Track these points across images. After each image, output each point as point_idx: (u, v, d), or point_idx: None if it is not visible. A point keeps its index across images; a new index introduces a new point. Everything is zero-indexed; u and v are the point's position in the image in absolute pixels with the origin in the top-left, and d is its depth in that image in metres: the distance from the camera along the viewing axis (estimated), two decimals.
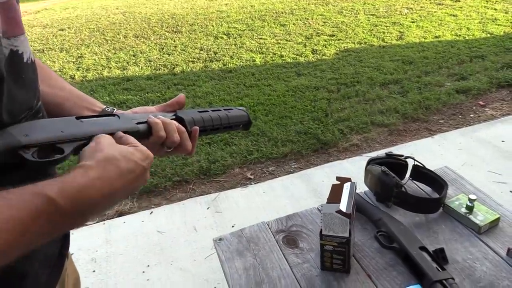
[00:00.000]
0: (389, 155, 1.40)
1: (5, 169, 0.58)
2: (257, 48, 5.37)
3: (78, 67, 5.17)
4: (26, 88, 0.64)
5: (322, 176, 2.81)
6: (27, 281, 0.69)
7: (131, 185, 0.62)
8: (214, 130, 0.90)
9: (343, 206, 1.04)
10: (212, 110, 0.89)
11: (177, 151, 0.80)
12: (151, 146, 0.76)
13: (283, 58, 4.96)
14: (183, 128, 0.79)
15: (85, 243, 2.38)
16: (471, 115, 3.57)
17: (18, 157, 0.58)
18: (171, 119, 0.80)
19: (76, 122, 0.67)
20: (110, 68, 5.04)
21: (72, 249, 2.31)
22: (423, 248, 1.10)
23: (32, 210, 0.51)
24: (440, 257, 1.10)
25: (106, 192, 0.58)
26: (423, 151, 2.96)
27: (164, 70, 4.89)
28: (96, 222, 2.56)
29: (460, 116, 3.56)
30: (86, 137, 0.65)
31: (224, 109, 0.92)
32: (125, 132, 0.70)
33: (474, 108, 3.69)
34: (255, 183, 2.82)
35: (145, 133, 0.75)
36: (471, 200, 1.24)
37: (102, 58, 5.41)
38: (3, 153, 0.56)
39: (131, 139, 0.67)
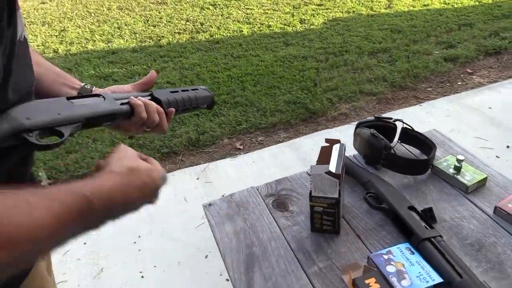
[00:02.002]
0: (378, 118, 1.40)
1: (4, 150, 0.61)
2: (244, 19, 5.28)
3: (62, 40, 5.03)
4: (25, 65, 0.66)
5: (311, 144, 2.81)
6: None
7: (145, 198, 0.66)
8: (184, 111, 0.96)
9: (332, 167, 1.03)
10: (182, 90, 0.95)
11: (154, 130, 0.85)
12: (132, 126, 0.82)
13: (270, 28, 4.89)
14: (161, 109, 0.85)
15: None
16: (459, 83, 3.58)
17: (21, 139, 0.60)
18: (148, 99, 0.85)
19: (68, 104, 0.70)
20: (95, 41, 4.91)
21: None
22: (412, 208, 1.11)
23: (70, 207, 0.54)
24: (428, 216, 1.12)
25: (127, 199, 0.62)
26: (411, 118, 2.97)
27: (149, 42, 4.78)
28: None
29: (448, 84, 3.57)
30: (81, 119, 0.69)
31: (192, 89, 0.97)
32: (112, 113, 0.75)
33: (461, 75, 3.69)
34: (244, 153, 2.81)
35: (127, 114, 0.80)
36: (459, 161, 1.25)
37: (85, 31, 5.27)
38: (9, 137, 0.59)
39: (149, 158, 0.73)
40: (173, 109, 0.88)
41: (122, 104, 0.79)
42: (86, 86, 0.86)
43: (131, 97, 0.81)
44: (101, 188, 0.59)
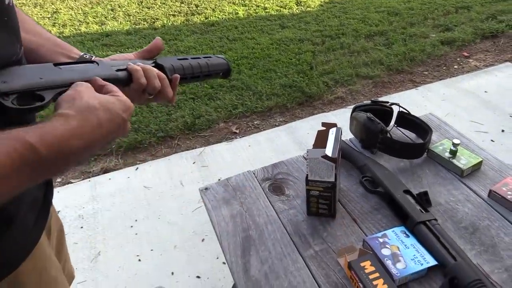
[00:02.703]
0: (374, 102, 1.40)
1: None
2: (240, 0, 5.21)
3: (54, 23, 4.96)
4: (9, 31, 0.62)
5: (307, 128, 2.81)
6: (14, 225, 0.68)
7: (110, 135, 0.61)
8: (194, 78, 0.90)
9: (328, 151, 1.03)
10: (192, 58, 0.89)
11: (158, 98, 0.80)
12: (132, 94, 0.76)
13: (266, 11, 4.83)
14: (163, 75, 0.79)
15: (71, 200, 2.37)
16: (455, 66, 3.57)
17: None
18: (151, 66, 0.79)
19: (54, 69, 0.66)
20: (88, 23, 4.85)
21: (58, 206, 2.32)
22: (407, 192, 1.12)
23: (12, 154, 0.50)
24: (423, 200, 1.12)
25: (85, 141, 0.57)
26: (407, 102, 2.96)
27: (144, 24, 4.72)
28: (81, 180, 2.54)
29: (444, 68, 3.56)
30: (66, 84, 0.65)
31: (204, 57, 0.92)
32: (104, 80, 0.70)
33: (458, 59, 3.68)
34: (240, 137, 2.81)
35: (125, 81, 0.75)
36: (454, 145, 1.26)
37: (78, 13, 5.19)
38: None
39: (113, 87, 0.66)
40: (177, 76, 0.82)
41: (118, 70, 0.74)
42: (85, 56, 0.81)
43: (129, 63, 0.77)
44: (50, 134, 0.54)
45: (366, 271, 0.91)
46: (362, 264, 0.92)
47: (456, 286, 0.88)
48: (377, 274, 0.90)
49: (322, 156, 1.02)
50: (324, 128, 1.12)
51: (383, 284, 0.88)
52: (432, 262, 0.95)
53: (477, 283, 0.86)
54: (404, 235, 1.03)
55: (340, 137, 1.11)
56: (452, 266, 0.91)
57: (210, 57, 0.93)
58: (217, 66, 0.93)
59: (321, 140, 1.08)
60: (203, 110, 3.04)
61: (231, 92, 3.24)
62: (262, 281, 0.97)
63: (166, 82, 0.79)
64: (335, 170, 1.04)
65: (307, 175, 1.07)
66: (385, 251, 0.98)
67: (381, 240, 1.01)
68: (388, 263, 0.95)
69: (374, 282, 0.88)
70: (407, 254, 0.97)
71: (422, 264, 0.94)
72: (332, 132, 1.10)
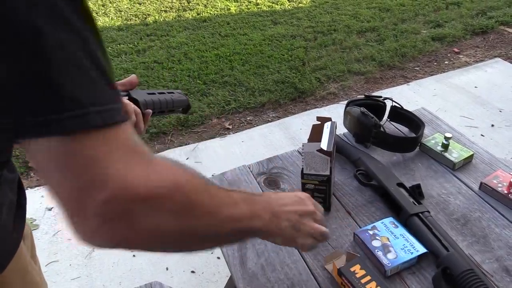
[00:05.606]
0: (368, 97, 1.41)
1: None
2: None
3: None
4: None
5: (300, 124, 2.83)
6: (1, 226, 0.69)
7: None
8: (160, 113, 0.96)
9: (324, 144, 1.05)
10: (159, 93, 0.95)
11: None
12: None
13: (258, 7, 4.83)
14: (138, 110, 0.83)
15: None
16: (446, 62, 3.61)
17: None
18: (126, 99, 0.83)
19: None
20: None
21: (52, 204, 2.30)
22: (401, 185, 1.13)
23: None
24: (416, 192, 1.14)
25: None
26: (399, 97, 2.97)
27: (135, 20, 4.70)
28: None
29: (435, 63, 3.60)
30: None
31: (168, 92, 0.98)
32: None
33: (449, 55, 3.72)
34: (233, 133, 2.82)
35: None
36: (446, 138, 1.28)
37: None
38: None
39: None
40: (150, 111, 0.87)
41: None
42: None
43: None
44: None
45: (357, 275, 0.90)
46: (352, 269, 0.92)
47: (449, 275, 0.90)
48: (368, 278, 0.90)
49: (317, 150, 1.04)
50: (319, 122, 1.13)
51: (376, 286, 0.89)
52: (421, 250, 0.97)
53: (469, 272, 0.88)
54: (393, 225, 1.04)
55: (335, 131, 1.12)
56: (445, 257, 0.93)
57: (173, 92, 0.99)
58: (180, 103, 1.00)
59: (316, 134, 1.09)
60: (196, 106, 3.04)
61: (224, 88, 3.24)
62: (259, 273, 0.99)
63: (140, 117, 0.83)
64: (330, 163, 1.05)
65: (302, 168, 1.08)
66: (376, 243, 1.00)
67: (371, 232, 1.03)
68: (379, 254, 0.97)
69: (367, 286, 0.89)
70: (397, 244, 0.99)
71: (412, 253, 0.96)
72: (327, 126, 1.11)
